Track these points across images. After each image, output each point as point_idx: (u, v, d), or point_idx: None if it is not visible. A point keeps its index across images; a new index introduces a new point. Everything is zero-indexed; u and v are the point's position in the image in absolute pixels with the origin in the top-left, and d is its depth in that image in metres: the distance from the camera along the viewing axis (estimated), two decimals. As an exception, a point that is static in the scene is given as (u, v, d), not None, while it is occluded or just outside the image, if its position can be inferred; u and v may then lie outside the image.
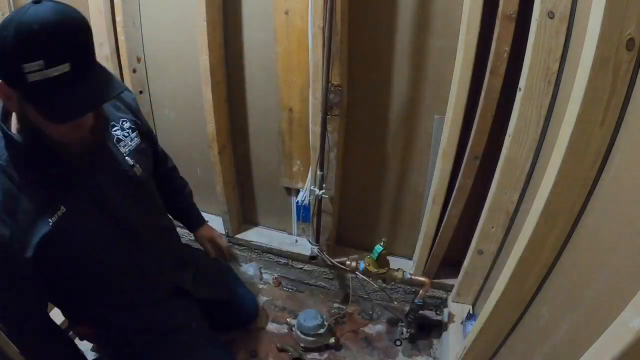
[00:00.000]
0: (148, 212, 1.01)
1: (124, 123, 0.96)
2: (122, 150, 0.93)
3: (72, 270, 0.89)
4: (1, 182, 0.73)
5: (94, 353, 1.34)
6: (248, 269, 1.65)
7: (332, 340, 1.40)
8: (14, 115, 0.75)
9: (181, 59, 1.43)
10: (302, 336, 1.38)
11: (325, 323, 1.39)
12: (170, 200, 1.23)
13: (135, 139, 0.98)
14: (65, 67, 0.64)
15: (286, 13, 1.20)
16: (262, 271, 1.72)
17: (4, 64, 0.64)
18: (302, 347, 1.40)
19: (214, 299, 1.24)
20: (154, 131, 1.22)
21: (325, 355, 1.40)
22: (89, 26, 0.69)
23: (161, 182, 1.18)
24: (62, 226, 0.79)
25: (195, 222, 1.35)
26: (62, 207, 0.79)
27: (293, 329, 1.43)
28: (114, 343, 1.06)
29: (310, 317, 1.40)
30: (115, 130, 0.93)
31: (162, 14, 1.38)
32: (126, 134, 0.95)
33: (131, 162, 0.93)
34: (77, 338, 1.14)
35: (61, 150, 0.77)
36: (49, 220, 0.77)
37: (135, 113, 1.01)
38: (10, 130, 0.75)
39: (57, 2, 0.66)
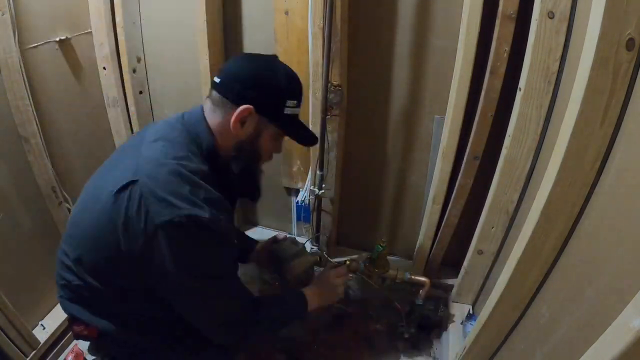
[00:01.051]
0: None
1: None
2: None
3: None
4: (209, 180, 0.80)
5: (92, 356, 1.34)
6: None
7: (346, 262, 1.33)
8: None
9: (181, 59, 1.42)
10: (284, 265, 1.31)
11: (300, 243, 1.34)
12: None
13: None
14: (299, 110, 0.87)
15: (286, 13, 1.20)
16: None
17: (270, 95, 0.81)
18: (289, 279, 1.32)
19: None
20: None
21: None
22: None
23: None
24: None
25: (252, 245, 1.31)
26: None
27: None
28: (112, 346, 1.05)
29: (288, 245, 1.33)
30: None
31: (162, 14, 1.38)
32: None
33: None
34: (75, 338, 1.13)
35: (255, 176, 0.93)
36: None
37: None
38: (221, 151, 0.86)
39: None
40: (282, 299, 1.06)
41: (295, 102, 0.84)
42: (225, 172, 0.85)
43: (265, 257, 1.28)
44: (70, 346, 1.36)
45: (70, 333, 1.36)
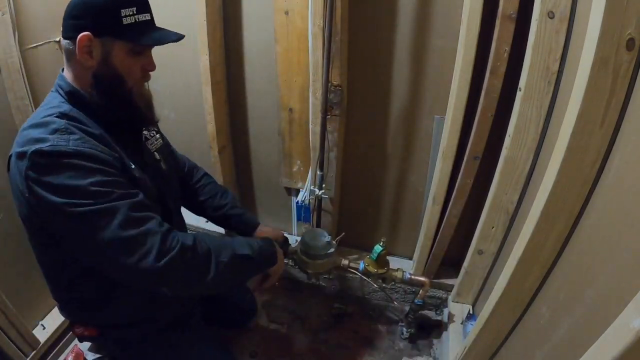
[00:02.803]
0: (173, 204, 1.04)
1: (149, 126, 1.04)
2: (150, 147, 1.01)
3: None
4: (82, 126, 0.79)
5: (92, 353, 1.34)
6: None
7: (344, 262, 1.31)
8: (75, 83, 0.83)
9: (181, 59, 1.42)
10: (309, 260, 1.29)
11: (334, 242, 1.31)
12: (215, 206, 1.20)
13: (159, 139, 1.06)
14: (147, 16, 0.83)
15: (286, 13, 1.20)
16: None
17: (100, 14, 0.77)
18: (309, 272, 1.31)
19: (212, 295, 1.24)
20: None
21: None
22: None
23: (198, 191, 1.20)
24: (139, 176, 0.85)
25: (253, 223, 1.25)
26: (132, 165, 0.85)
27: (295, 255, 1.32)
28: (116, 342, 1.05)
29: (317, 235, 1.31)
30: (144, 131, 1.01)
31: (162, 14, 1.37)
32: (152, 134, 1.04)
33: (158, 157, 1.02)
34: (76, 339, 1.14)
35: (133, 99, 0.86)
36: (131, 165, 0.84)
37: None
38: (83, 90, 0.83)
39: None
40: (238, 238, 0.98)
41: (133, 9, 0.80)
42: (95, 109, 0.83)
43: None
44: (71, 346, 1.36)
45: (70, 333, 1.37)
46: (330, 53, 1.15)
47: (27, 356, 1.18)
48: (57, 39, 1.24)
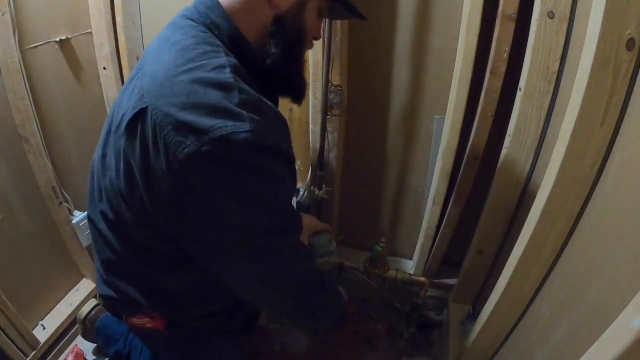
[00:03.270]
0: None
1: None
2: None
3: None
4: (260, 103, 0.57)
5: (94, 356, 1.34)
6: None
7: (345, 262, 1.29)
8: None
9: (181, 59, 1.42)
10: None
11: (334, 242, 1.27)
12: None
13: None
14: None
15: (286, 13, 1.20)
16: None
17: None
18: None
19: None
20: None
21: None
22: None
23: None
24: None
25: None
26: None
27: None
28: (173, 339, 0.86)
29: (317, 234, 1.26)
30: None
31: (162, 14, 1.38)
32: None
33: None
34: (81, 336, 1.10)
35: (301, 62, 0.73)
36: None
37: None
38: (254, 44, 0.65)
39: None
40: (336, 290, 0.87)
41: None
42: (261, 68, 0.64)
43: None
44: (71, 346, 1.36)
45: (70, 333, 1.37)
46: (330, 53, 1.15)
47: (27, 356, 1.18)
48: (57, 39, 1.24)
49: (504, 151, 1.04)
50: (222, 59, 0.56)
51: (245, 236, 0.57)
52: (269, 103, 0.58)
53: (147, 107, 0.53)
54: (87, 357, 1.33)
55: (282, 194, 0.58)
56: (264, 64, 0.64)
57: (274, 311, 0.78)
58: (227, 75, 0.54)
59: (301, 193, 1.49)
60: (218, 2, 0.62)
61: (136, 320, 0.81)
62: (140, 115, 0.54)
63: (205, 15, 0.61)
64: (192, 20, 0.63)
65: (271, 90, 0.66)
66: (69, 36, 1.28)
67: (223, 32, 0.61)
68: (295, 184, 0.67)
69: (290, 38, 0.65)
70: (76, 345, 1.35)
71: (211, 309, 0.82)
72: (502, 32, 0.97)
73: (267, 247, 0.59)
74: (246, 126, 0.50)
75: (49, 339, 1.28)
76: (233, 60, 0.58)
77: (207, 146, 0.49)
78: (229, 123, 0.50)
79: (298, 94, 0.75)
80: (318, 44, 1.16)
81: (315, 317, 0.79)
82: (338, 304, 0.84)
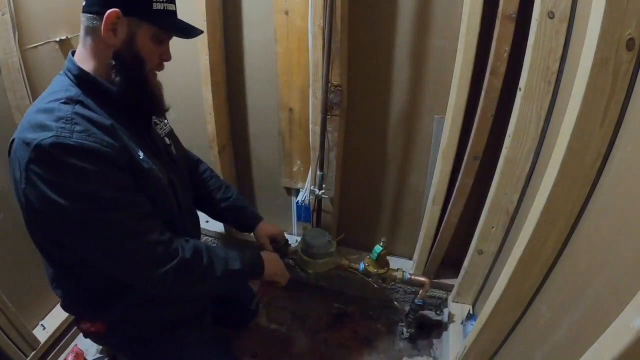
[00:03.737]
0: (184, 189, 1.03)
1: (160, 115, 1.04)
2: (159, 132, 1.01)
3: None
4: (84, 109, 0.76)
5: (92, 354, 1.34)
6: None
7: (344, 262, 1.31)
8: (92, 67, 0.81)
9: (181, 59, 1.42)
10: (309, 259, 1.29)
11: (334, 241, 1.31)
12: (219, 199, 1.19)
13: (168, 125, 1.07)
14: (173, 7, 0.84)
15: (286, 13, 1.20)
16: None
17: None
18: (309, 272, 1.31)
19: (220, 296, 1.23)
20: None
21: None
22: None
23: (203, 182, 1.19)
24: (149, 162, 0.83)
25: (254, 218, 1.24)
26: (141, 154, 0.83)
27: (295, 255, 1.32)
28: (122, 338, 1.04)
29: (318, 235, 1.31)
30: (153, 118, 1.01)
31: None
32: (160, 120, 1.04)
33: (168, 141, 1.02)
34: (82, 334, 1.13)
35: (144, 84, 0.85)
36: (139, 153, 0.82)
37: None
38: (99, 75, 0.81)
39: None
40: (230, 250, 0.99)
41: None
42: (111, 95, 0.80)
43: (269, 245, 1.24)
44: (71, 346, 1.36)
45: (70, 333, 1.37)
46: (330, 53, 1.15)
47: (27, 356, 1.18)
48: (57, 39, 1.24)
49: (504, 151, 1.04)
50: (63, 94, 0.76)
51: (80, 217, 0.73)
52: (91, 117, 0.75)
53: (14, 138, 0.74)
54: (87, 357, 1.33)
55: (94, 184, 0.72)
56: (108, 91, 0.80)
57: (153, 287, 0.89)
58: (55, 104, 0.74)
59: (301, 193, 1.49)
60: (71, 56, 0.82)
61: (83, 327, 0.99)
62: (10, 147, 0.75)
63: (66, 67, 0.81)
64: (60, 73, 0.82)
65: (126, 106, 0.82)
66: (69, 36, 1.28)
67: (75, 75, 0.79)
68: (124, 178, 0.77)
69: (130, 66, 0.80)
70: (76, 345, 1.35)
71: (138, 297, 0.93)
72: (502, 32, 0.97)
73: (99, 224, 0.75)
74: (51, 134, 0.69)
75: (49, 339, 1.28)
76: (75, 93, 0.77)
77: (32, 154, 0.69)
78: (42, 134, 0.69)
79: (150, 110, 0.90)
80: (318, 44, 1.16)
81: (202, 282, 0.90)
82: (224, 262, 0.93)
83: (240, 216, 1.23)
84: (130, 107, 0.84)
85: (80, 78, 0.79)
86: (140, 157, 0.82)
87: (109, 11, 0.74)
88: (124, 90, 0.80)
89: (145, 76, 0.84)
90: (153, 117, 0.98)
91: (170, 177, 0.93)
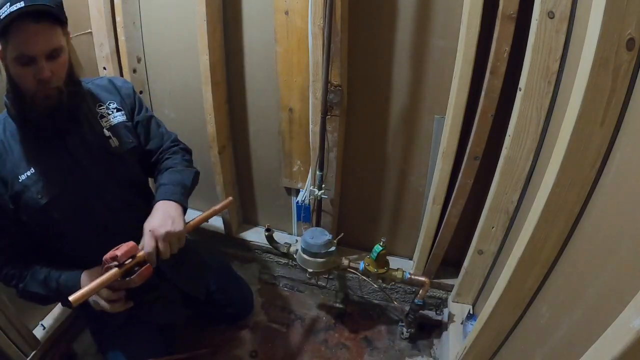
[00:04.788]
0: (121, 185, 1.06)
1: (110, 104, 1.07)
2: (103, 124, 1.03)
3: (42, 228, 0.97)
4: None
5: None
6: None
7: (344, 262, 1.30)
8: None
9: (181, 59, 1.42)
10: (310, 258, 1.28)
11: (335, 241, 1.30)
12: (159, 181, 1.09)
13: (120, 117, 1.07)
14: (21, 4, 0.77)
15: (286, 13, 1.20)
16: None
17: None
18: (309, 271, 1.30)
19: (190, 294, 1.24)
20: (152, 123, 1.16)
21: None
22: None
23: (157, 163, 1.15)
24: (28, 184, 0.91)
25: (157, 196, 1.03)
26: (32, 168, 0.91)
27: (296, 254, 1.32)
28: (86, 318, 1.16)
29: (318, 234, 1.30)
30: (101, 109, 1.04)
31: (162, 14, 1.38)
32: (110, 112, 1.06)
33: (107, 134, 1.03)
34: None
35: (31, 104, 0.87)
36: (19, 177, 0.91)
37: (124, 98, 1.11)
38: (6, 96, 0.90)
39: None
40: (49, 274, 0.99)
41: (7, 4, 0.77)
42: (12, 113, 0.91)
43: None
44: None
45: (70, 333, 1.37)
46: (330, 53, 1.15)
47: (27, 356, 1.18)
48: (57, 39, 1.24)
49: (504, 151, 1.04)
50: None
51: None
52: None
53: None
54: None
55: None
56: (8, 109, 0.91)
57: None
58: None
59: (301, 193, 1.49)
60: None
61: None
62: None
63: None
64: None
65: (25, 122, 0.91)
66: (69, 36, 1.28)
67: (4, 102, 0.90)
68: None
69: (10, 89, 0.88)
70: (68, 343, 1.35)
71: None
72: (502, 32, 0.97)
73: None
74: None
75: (49, 338, 1.28)
76: (1, 118, 0.93)
77: None
78: None
79: (45, 125, 0.92)
80: (318, 44, 1.16)
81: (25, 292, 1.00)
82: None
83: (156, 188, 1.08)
84: (27, 122, 0.90)
85: (4, 99, 0.90)
86: (20, 179, 0.91)
87: None
88: (11, 108, 0.89)
89: (24, 98, 0.87)
90: (100, 107, 1.04)
91: (85, 181, 0.98)
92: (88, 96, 1.03)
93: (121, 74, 1.45)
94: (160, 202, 0.99)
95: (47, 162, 0.93)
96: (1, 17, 0.77)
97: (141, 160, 1.13)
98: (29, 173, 0.91)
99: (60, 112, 0.91)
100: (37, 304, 1.08)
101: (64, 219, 0.97)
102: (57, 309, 1.36)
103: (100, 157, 1.01)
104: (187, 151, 1.22)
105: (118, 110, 1.08)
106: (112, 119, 1.05)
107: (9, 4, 0.77)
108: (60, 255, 1.02)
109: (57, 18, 0.83)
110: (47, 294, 0.98)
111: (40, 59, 0.82)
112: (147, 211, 0.99)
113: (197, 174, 1.16)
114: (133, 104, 1.12)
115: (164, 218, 0.94)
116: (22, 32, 0.79)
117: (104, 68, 1.43)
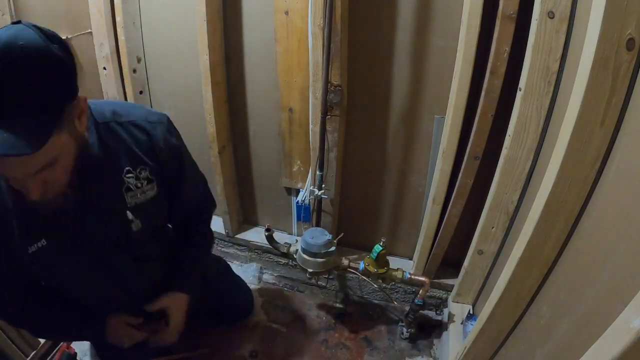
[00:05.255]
0: (137, 259, 0.96)
1: (141, 172, 0.86)
2: (128, 200, 0.86)
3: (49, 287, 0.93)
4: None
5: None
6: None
7: (344, 262, 1.30)
8: None
9: (181, 59, 1.42)
10: (310, 258, 1.28)
11: (334, 241, 1.30)
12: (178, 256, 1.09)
13: (149, 191, 0.89)
14: None
15: (286, 13, 1.20)
16: (263, 271, 1.72)
17: None
18: (309, 271, 1.30)
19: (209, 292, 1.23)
20: (187, 182, 1.00)
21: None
22: (31, 71, 0.58)
23: (180, 232, 1.13)
24: (39, 256, 0.79)
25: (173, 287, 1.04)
26: (44, 240, 0.79)
27: (296, 254, 1.32)
28: None
29: (318, 234, 1.29)
30: (129, 178, 0.85)
31: (162, 14, 1.38)
32: (139, 185, 0.87)
33: (131, 216, 0.87)
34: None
35: (31, 206, 0.72)
36: (29, 248, 0.78)
37: (162, 162, 0.89)
38: None
39: (17, 32, 0.58)
40: (75, 316, 0.95)
41: None
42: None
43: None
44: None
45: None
46: (330, 53, 1.15)
47: (27, 356, 1.18)
48: (57, 39, 1.24)
49: (504, 151, 1.04)
50: None
51: None
52: None
53: None
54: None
55: None
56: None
57: None
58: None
59: (301, 193, 1.49)
60: None
61: None
62: None
63: None
64: None
65: None
66: (69, 36, 1.28)
67: None
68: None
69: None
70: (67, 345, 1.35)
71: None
72: (502, 32, 0.97)
73: None
74: None
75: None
76: None
77: None
78: None
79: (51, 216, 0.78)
80: (318, 44, 1.16)
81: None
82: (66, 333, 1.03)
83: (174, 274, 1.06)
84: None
85: None
86: (29, 252, 0.78)
87: None
88: (8, 196, 0.75)
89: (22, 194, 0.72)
90: (128, 178, 0.85)
91: (100, 264, 0.88)
92: (121, 148, 0.82)
93: (121, 74, 1.45)
94: (186, 296, 1.06)
95: (59, 240, 0.81)
96: None
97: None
98: (39, 244, 0.78)
99: (66, 213, 0.78)
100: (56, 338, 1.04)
101: (75, 283, 0.91)
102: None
103: (120, 237, 0.89)
104: (213, 206, 1.18)
105: (149, 182, 0.88)
106: (139, 195, 0.87)
107: None
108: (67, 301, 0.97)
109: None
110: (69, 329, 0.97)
111: (25, 179, 0.66)
112: (162, 269, 1.05)
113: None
114: (167, 162, 0.90)
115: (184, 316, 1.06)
116: None
117: (104, 68, 1.43)
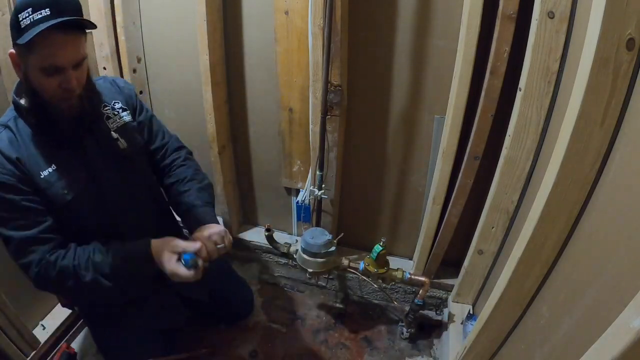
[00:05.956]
0: (131, 187, 1.06)
1: (115, 104, 1.07)
2: (110, 125, 1.03)
3: (64, 226, 0.97)
4: (6, 135, 0.89)
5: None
6: None
7: (344, 262, 1.30)
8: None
9: (181, 59, 1.42)
10: (310, 258, 1.28)
11: (334, 241, 1.30)
12: (176, 192, 1.13)
13: (125, 117, 1.07)
14: (46, 12, 0.77)
15: (286, 13, 1.20)
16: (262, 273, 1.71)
17: (11, 24, 0.79)
18: (309, 271, 1.30)
19: (192, 297, 1.23)
20: (154, 123, 1.17)
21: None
22: None
23: (168, 172, 1.17)
24: (51, 181, 0.91)
25: (198, 221, 1.07)
26: (53, 165, 0.92)
27: (296, 254, 1.32)
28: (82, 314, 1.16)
29: (318, 234, 1.30)
30: (106, 109, 1.04)
31: (162, 14, 1.38)
32: (115, 112, 1.06)
33: (115, 135, 1.03)
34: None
35: (54, 112, 0.89)
36: (41, 173, 0.91)
37: (127, 98, 1.10)
38: (20, 100, 0.91)
39: None
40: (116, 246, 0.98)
41: (29, 10, 0.76)
42: (25, 118, 0.91)
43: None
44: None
45: (69, 333, 1.37)
46: (330, 53, 1.15)
47: (27, 356, 1.18)
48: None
49: (504, 151, 1.04)
50: (2, 119, 0.92)
51: None
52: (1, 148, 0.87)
53: None
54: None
55: None
56: (26, 115, 0.90)
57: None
58: None
59: (301, 193, 1.49)
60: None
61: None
62: None
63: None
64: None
65: (42, 126, 0.91)
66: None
67: (12, 100, 0.91)
68: (15, 201, 0.87)
69: (29, 98, 0.89)
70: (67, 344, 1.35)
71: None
72: (502, 32, 0.97)
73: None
74: None
75: (49, 338, 1.28)
76: (7, 117, 0.91)
77: None
78: None
79: (63, 131, 0.93)
80: (318, 44, 1.16)
81: (80, 293, 1.02)
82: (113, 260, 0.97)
83: (188, 216, 1.10)
84: (49, 129, 0.91)
85: (14, 102, 0.91)
86: (42, 175, 0.90)
87: (9, 51, 0.83)
88: (29, 114, 0.90)
89: (45, 106, 0.88)
90: (105, 108, 1.03)
91: (102, 182, 0.99)
92: (102, 89, 1.04)
93: (121, 74, 1.45)
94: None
95: (66, 162, 0.94)
96: (24, 25, 0.77)
97: (149, 160, 1.16)
98: (50, 170, 0.91)
99: (83, 120, 0.94)
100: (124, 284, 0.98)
101: (87, 216, 0.98)
102: (57, 309, 1.36)
103: (111, 159, 1.02)
104: (190, 154, 1.24)
105: (123, 110, 1.07)
106: (118, 120, 1.05)
107: (30, 9, 0.76)
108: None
109: (83, 27, 0.85)
110: (120, 269, 0.94)
111: (68, 69, 0.84)
112: (154, 211, 1.15)
113: (211, 186, 1.22)
114: (135, 105, 1.13)
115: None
116: (50, 43, 0.79)
117: (104, 68, 1.43)
